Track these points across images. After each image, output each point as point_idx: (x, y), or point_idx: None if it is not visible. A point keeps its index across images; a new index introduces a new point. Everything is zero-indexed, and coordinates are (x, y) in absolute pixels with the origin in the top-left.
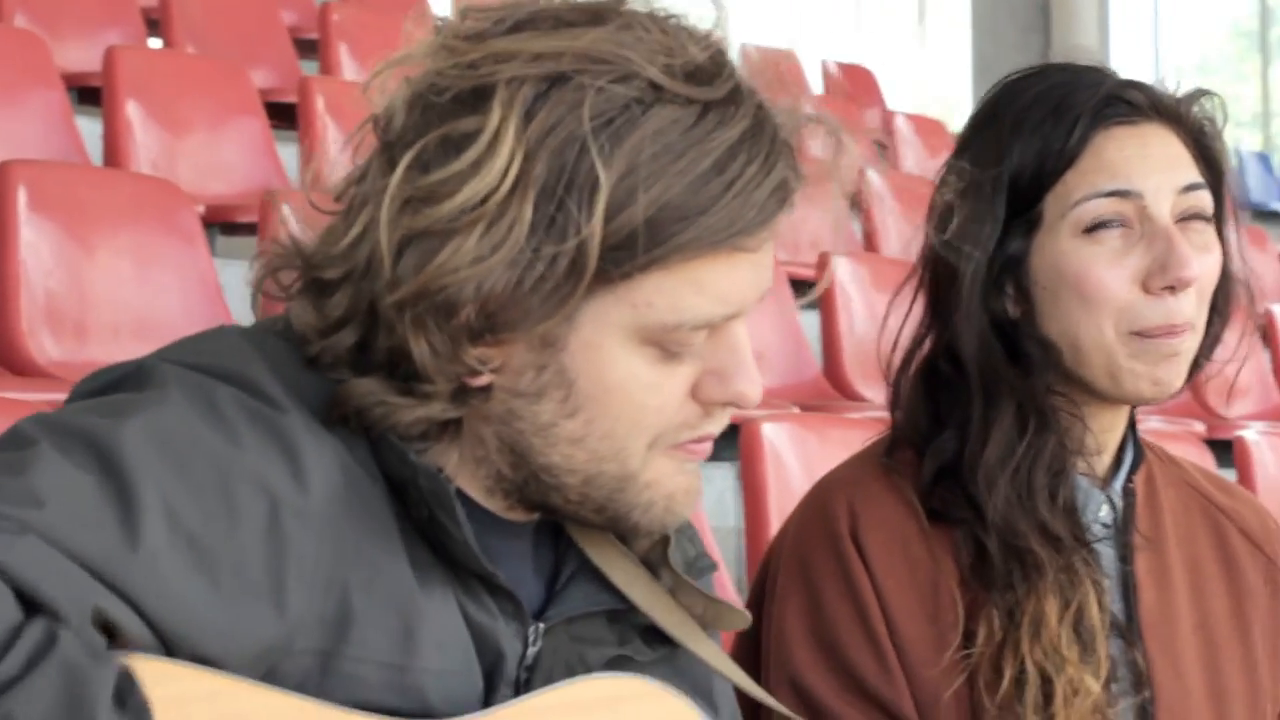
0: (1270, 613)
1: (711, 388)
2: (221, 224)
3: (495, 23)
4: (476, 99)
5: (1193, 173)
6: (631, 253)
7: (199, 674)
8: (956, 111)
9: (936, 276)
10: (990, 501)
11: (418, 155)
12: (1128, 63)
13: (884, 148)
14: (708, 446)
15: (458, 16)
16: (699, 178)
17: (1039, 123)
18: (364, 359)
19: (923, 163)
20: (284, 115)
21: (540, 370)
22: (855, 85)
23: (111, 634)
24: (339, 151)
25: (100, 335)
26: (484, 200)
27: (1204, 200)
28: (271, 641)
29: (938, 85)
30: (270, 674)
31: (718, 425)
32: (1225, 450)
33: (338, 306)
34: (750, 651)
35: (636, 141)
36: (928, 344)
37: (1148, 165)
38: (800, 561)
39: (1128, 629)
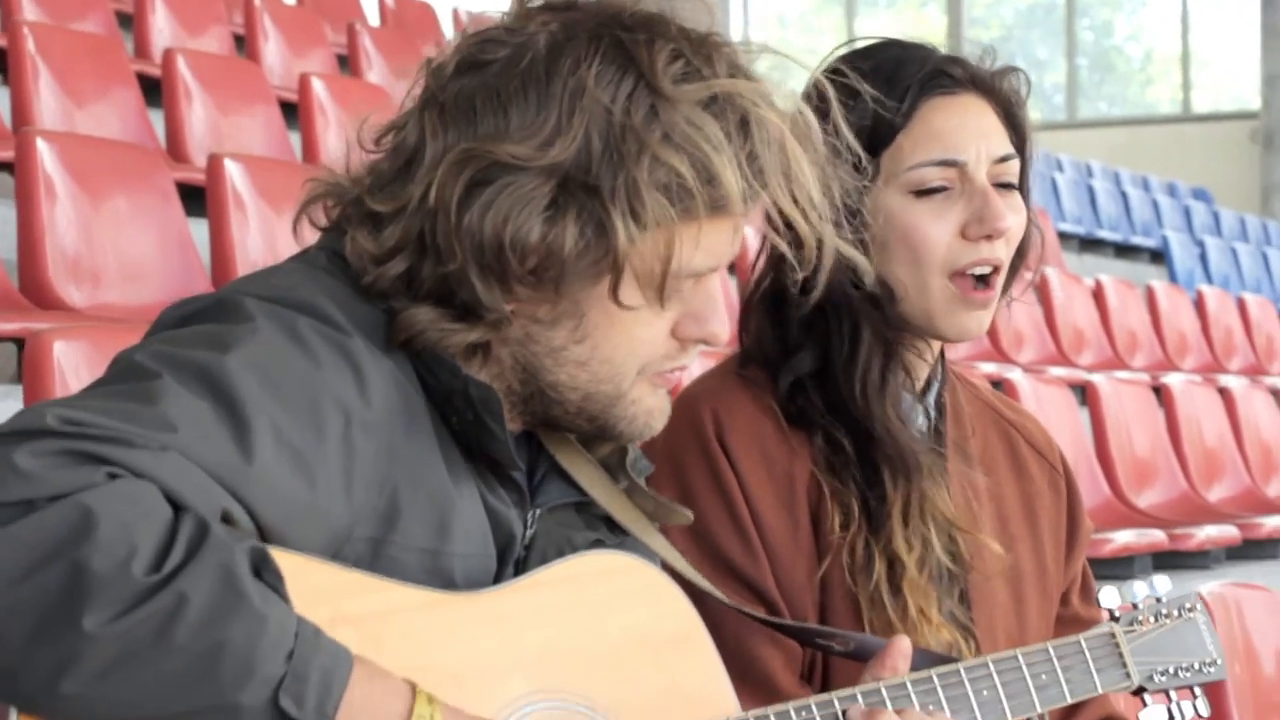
0: (1054, 510)
1: (690, 327)
2: None
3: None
4: (531, 65)
5: (1005, 144)
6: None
7: (284, 554)
8: None
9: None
10: (862, 410)
11: (471, 111)
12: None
13: None
14: (679, 375)
15: None
16: (712, 151)
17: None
18: (412, 286)
19: None
20: None
21: (557, 302)
22: (414, 18)
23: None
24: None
25: None
26: (544, 164)
27: (1015, 169)
28: (340, 531)
29: None
30: (333, 558)
31: (690, 359)
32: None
33: (391, 237)
34: None
35: (672, 116)
36: (769, 281)
37: (968, 135)
38: (672, 464)
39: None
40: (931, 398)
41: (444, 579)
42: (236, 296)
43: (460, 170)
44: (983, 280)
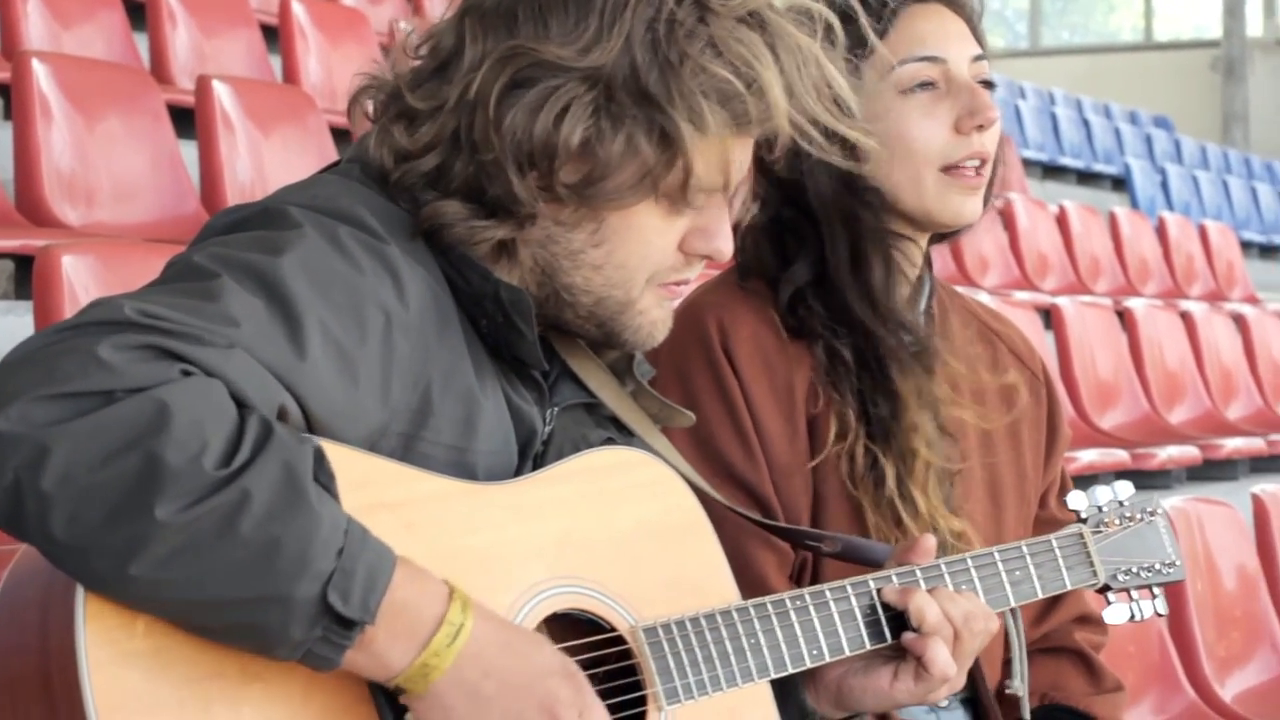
0: (1035, 415)
1: (696, 241)
2: None
3: None
4: None
5: (976, 46)
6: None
7: (330, 445)
8: None
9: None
10: (868, 309)
11: (511, 19)
12: None
13: None
14: (683, 289)
15: None
16: (758, 64)
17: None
18: (441, 182)
19: None
20: None
21: (580, 205)
22: None
23: (280, 420)
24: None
25: None
26: (583, 67)
27: (986, 70)
28: (378, 425)
29: None
30: (371, 450)
31: (693, 272)
32: None
33: (426, 134)
34: None
35: (718, 30)
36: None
37: (949, 37)
38: (677, 371)
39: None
40: (920, 306)
41: (467, 473)
42: (282, 205)
43: (502, 68)
44: (974, 171)
